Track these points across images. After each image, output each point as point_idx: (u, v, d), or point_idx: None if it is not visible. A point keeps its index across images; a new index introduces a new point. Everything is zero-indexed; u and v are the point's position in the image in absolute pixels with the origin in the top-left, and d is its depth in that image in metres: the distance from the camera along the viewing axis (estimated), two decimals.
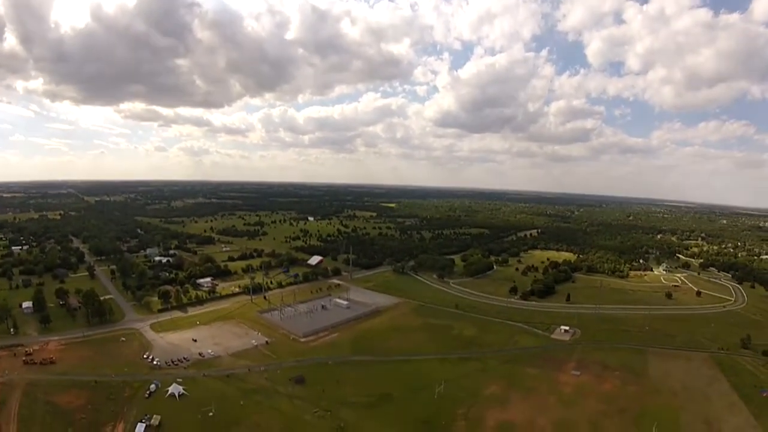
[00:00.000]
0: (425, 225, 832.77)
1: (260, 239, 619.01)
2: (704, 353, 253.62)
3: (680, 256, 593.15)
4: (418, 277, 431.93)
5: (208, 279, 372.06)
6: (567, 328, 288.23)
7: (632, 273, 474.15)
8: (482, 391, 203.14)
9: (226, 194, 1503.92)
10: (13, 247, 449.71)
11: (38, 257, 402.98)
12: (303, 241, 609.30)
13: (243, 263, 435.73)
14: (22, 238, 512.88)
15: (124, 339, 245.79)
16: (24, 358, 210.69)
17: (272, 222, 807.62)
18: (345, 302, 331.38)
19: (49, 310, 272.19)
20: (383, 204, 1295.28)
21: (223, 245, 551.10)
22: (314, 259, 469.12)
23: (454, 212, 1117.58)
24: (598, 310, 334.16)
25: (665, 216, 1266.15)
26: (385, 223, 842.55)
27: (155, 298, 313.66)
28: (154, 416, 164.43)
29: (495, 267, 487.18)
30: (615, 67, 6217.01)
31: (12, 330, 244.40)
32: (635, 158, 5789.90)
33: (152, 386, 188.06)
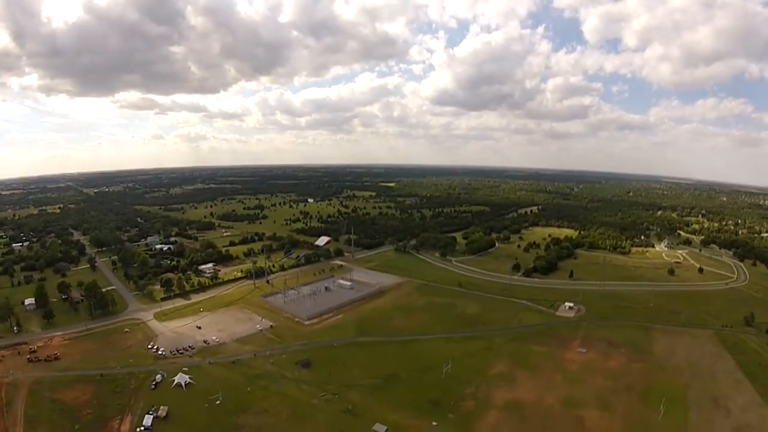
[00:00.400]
0: (425, 204, 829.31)
1: (260, 223, 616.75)
2: (708, 330, 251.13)
3: (681, 232, 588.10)
4: (420, 256, 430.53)
5: (210, 265, 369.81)
6: (571, 304, 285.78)
7: (634, 249, 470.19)
8: (489, 370, 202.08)
9: (225, 179, 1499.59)
10: (13, 244, 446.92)
11: (39, 252, 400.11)
12: (303, 223, 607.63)
13: (244, 247, 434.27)
14: (22, 234, 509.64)
15: (128, 330, 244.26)
16: (28, 356, 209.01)
17: (272, 205, 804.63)
18: (348, 283, 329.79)
19: (52, 305, 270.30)
20: (382, 183, 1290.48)
21: (223, 230, 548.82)
22: (321, 240, 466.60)
23: (454, 190, 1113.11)
24: (604, 286, 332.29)
25: (665, 192, 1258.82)
26: (385, 202, 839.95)
27: (158, 287, 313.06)
28: (161, 407, 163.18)
29: (497, 244, 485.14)
30: (612, 44, 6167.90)
31: (15, 328, 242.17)
32: (633, 135, 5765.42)
33: (158, 376, 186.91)
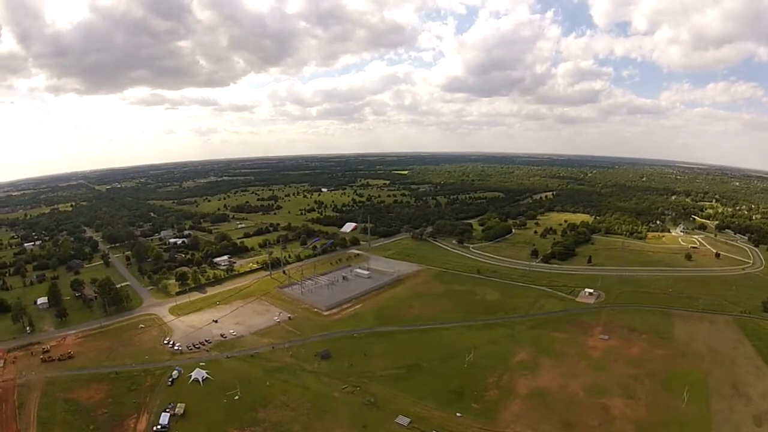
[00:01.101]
0: (439, 191, 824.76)
1: (275, 213, 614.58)
2: (727, 316, 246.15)
3: (696, 217, 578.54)
4: (437, 243, 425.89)
5: (225, 257, 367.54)
6: (591, 290, 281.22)
7: (650, 234, 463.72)
8: (511, 358, 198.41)
9: (238, 171, 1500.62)
10: (25, 244, 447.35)
11: (51, 251, 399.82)
12: (318, 212, 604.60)
13: (259, 239, 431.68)
14: (34, 233, 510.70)
15: (143, 326, 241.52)
16: (42, 356, 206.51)
17: (286, 195, 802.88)
18: (366, 272, 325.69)
19: (65, 303, 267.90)
20: (396, 171, 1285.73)
21: (238, 222, 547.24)
22: (348, 226, 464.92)
23: (467, 177, 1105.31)
24: (622, 272, 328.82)
25: (678, 177, 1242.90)
26: (399, 190, 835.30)
27: (172, 281, 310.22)
28: (178, 405, 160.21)
29: (513, 230, 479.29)
30: (621, 28, 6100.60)
31: (28, 328, 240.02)
32: (644, 119, 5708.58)
33: (174, 373, 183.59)
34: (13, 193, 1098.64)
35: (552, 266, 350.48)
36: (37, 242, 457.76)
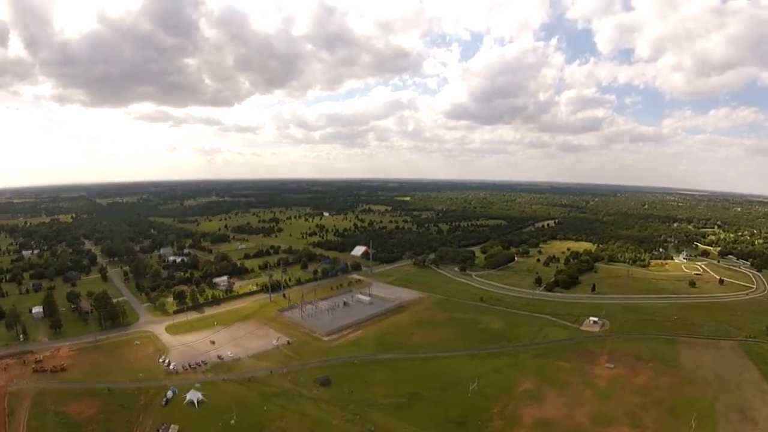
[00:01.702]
0: (441, 218, 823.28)
1: (276, 236, 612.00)
2: (732, 341, 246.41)
3: (698, 244, 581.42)
4: (440, 270, 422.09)
5: (225, 278, 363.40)
6: (596, 319, 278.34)
7: (653, 262, 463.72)
8: (516, 388, 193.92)
9: (240, 192, 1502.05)
10: (23, 251, 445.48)
11: (49, 261, 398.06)
12: (320, 236, 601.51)
13: (260, 261, 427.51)
14: (33, 242, 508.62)
15: (138, 342, 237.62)
16: (34, 366, 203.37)
17: (287, 218, 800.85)
18: (367, 298, 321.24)
19: (60, 315, 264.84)
20: (398, 198, 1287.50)
21: (238, 243, 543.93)
22: (358, 250, 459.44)
23: (470, 204, 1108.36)
24: (626, 300, 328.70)
25: (679, 204, 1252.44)
26: (401, 216, 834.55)
27: (170, 299, 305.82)
28: (172, 426, 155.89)
29: (516, 258, 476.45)
30: (625, 55, 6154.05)
31: (21, 336, 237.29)
32: (646, 146, 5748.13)
33: (169, 393, 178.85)
34: (15, 200, 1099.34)
35: (556, 294, 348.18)
36: (35, 251, 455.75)
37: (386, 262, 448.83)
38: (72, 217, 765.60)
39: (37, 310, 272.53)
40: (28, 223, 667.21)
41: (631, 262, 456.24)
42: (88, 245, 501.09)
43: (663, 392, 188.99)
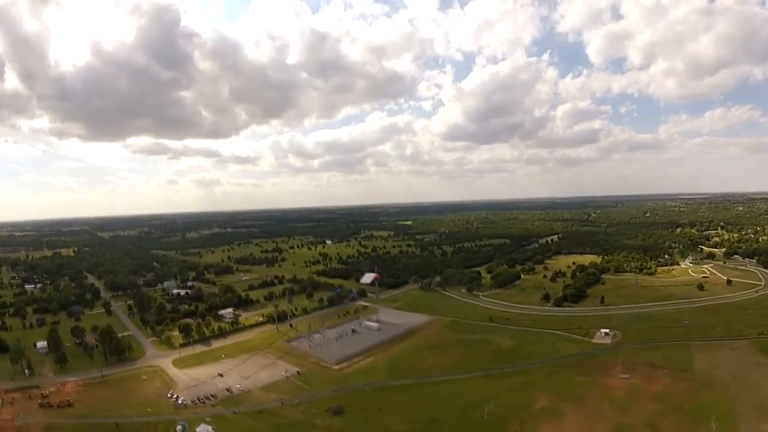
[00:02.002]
0: (445, 240, 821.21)
1: (279, 266, 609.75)
2: (746, 340, 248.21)
3: (703, 247, 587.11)
4: (446, 293, 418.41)
5: (230, 309, 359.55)
6: (607, 330, 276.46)
7: (660, 269, 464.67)
8: (532, 406, 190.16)
9: (241, 223, 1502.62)
10: (26, 285, 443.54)
11: (52, 295, 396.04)
12: (323, 264, 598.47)
13: (264, 291, 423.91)
14: (35, 276, 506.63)
15: (145, 377, 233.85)
16: (40, 401, 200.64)
17: (290, 248, 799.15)
18: (375, 324, 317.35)
19: (65, 350, 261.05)
20: (399, 222, 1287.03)
21: (242, 274, 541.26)
22: (368, 277, 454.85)
23: (472, 225, 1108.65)
24: (636, 309, 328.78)
25: (681, 209, 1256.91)
26: (404, 240, 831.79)
27: (176, 333, 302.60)
28: None
29: (522, 276, 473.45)
30: (617, 64, 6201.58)
31: (27, 371, 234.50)
32: (645, 154, 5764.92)
33: (179, 427, 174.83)
34: (16, 234, 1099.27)
35: (565, 309, 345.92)
36: (38, 285, 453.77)
37: (392, 287, 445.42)
38: (74, 251, 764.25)
39: (41, 344, 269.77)
40: (30, 257, 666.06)
41: (637, 271, 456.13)
42: (91, 279, 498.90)
43: (681, 398, 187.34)
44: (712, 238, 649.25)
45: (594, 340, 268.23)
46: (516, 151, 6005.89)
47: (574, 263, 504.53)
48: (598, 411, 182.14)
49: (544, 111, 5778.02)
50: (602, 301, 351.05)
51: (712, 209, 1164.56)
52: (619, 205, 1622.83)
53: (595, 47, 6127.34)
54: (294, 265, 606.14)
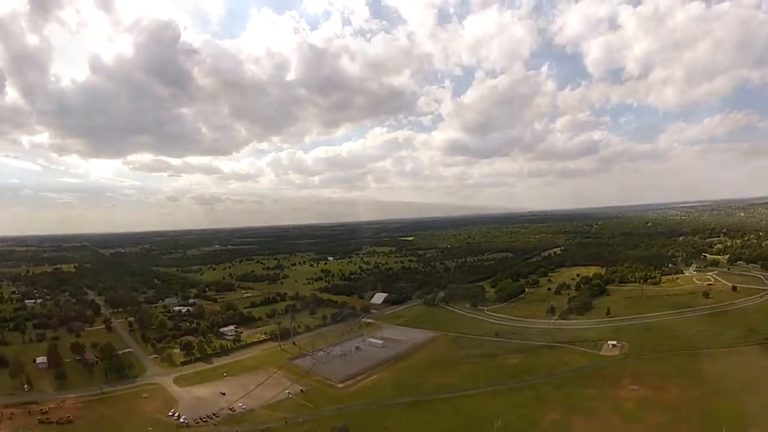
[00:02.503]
0: (447, 255, 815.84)
1: (281, 282, 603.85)
2: (754, 346, 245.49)
3: (706, 254, 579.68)
4: (450, 308, 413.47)
5: (232, 327, 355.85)
6: (614, 342, 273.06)
7: (664, 278, 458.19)
8: (542, 421, 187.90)
9: (242, 240, 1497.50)
10: (26, 300, 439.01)
11: (52, 310, 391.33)
12: (326, 281, 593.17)
13: (267, 308, 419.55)
14: (35, 291, 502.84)
15: (146, 396, 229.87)
16: (39, 417, 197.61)
17: (292, 264, 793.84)
18: (380, 341, 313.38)
19: (65, 366, 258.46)
20: (401, 238, 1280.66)
21: (243, 291, 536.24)
22: (378, 297, 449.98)
23: (474, 239, 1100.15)
24: (642, 319, 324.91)
25: (683, 218, 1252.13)
26: (406, 256, 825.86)
27: (177, 350, 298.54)
28: None
29: (526, 289, 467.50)
30: (616, 74, 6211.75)
31: (26, 386, 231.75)
32: (645, 164, 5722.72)
33: None
34: (17, 248, 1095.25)
35: (571, 321, 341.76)
36: (38, 300, 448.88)
37: (395, 304, 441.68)
38: (74, 267, 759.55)
39: (41, 360, 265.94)
40: (31, 272, 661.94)
41: (642, 281, 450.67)
42: (92, 295, 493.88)
43: (691, 407, 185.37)
44: (715, 245, 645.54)
45: (602, 353, 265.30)
46: (516, 165, 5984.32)
47: (578, 275, 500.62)
48: (608, 423, 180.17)
49: (543, 123, 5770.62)
50: (608, 313, 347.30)
51: (714, 216, 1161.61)
52: (620, 216, 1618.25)
53: (593, 58, 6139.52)
54: (296, 282, 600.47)
